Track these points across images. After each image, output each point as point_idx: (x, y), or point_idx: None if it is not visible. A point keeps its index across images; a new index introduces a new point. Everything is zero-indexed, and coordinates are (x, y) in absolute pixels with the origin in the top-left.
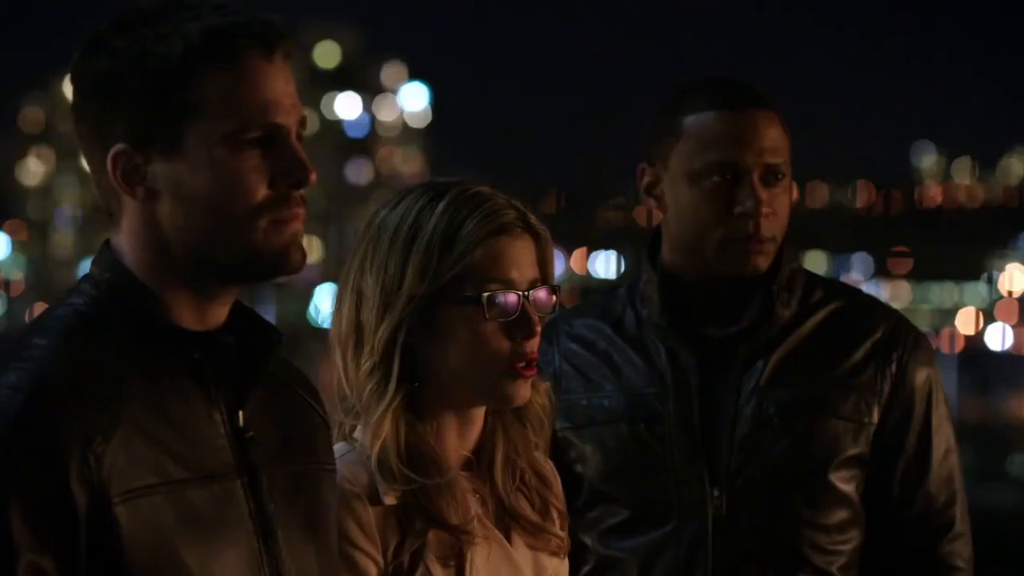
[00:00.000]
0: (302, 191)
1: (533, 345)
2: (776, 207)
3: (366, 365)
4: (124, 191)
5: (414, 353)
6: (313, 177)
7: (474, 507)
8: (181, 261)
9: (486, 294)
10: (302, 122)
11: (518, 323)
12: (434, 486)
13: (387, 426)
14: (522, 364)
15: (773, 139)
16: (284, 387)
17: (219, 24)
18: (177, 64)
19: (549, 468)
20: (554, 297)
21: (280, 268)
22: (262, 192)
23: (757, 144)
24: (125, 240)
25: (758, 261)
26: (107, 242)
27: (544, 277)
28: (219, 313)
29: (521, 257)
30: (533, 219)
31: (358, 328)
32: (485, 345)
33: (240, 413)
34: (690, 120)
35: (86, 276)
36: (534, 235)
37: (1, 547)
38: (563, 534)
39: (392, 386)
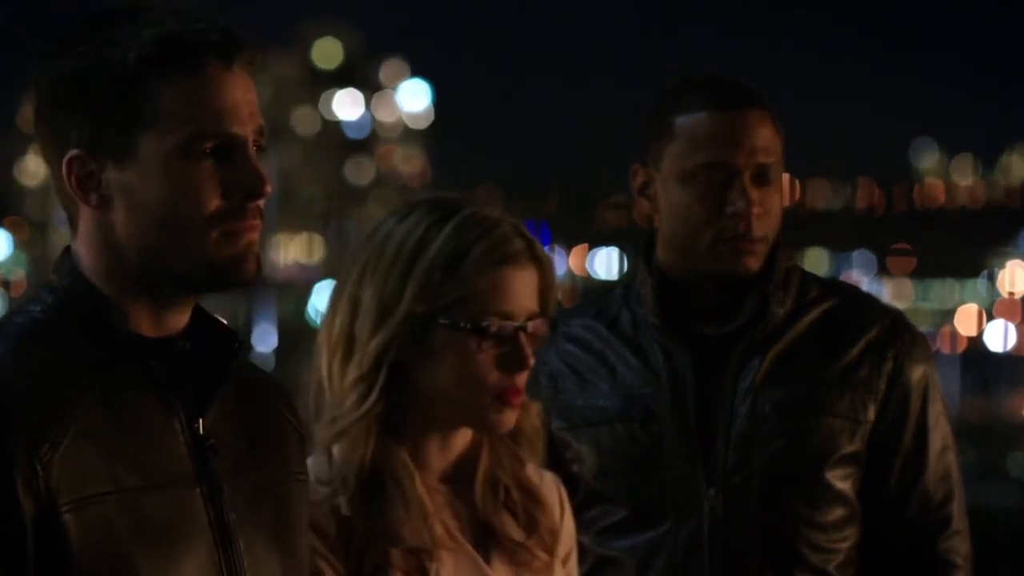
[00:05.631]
0: (259, 202)
1: (523, 378)
2: (768, 207)
3: (352, 376)
4: (78, 197)
5: (402, 368)
6: (268, 189)
7: (441, 525)
8: (135, 269)
9: (483, 324)
10: (260, 131)
11: (511, 356)
12: (392, 506)
13: (356, 439)
14: (510, 394)
15: (765, 139)
16: (254, 394)
17: (176, 31)
18: (131, 71)
19: (547, 485)
20: (549, 330)
21: (233, 279)
22: (215, 203)
23: (748, 144)
24: (82, 246)
25: (749, 261)
26: (67, 249)
27: (542, 309)
28: (178, 320)
29: (523, 289)
30: (539, 249)
31: (349, 337)
32: (474, 374)
33: (201, 421)
34: (682, 120)
35: (45, 283)
36: (539, 265)
37: None
38: (545, 556)
39: (372, 399)
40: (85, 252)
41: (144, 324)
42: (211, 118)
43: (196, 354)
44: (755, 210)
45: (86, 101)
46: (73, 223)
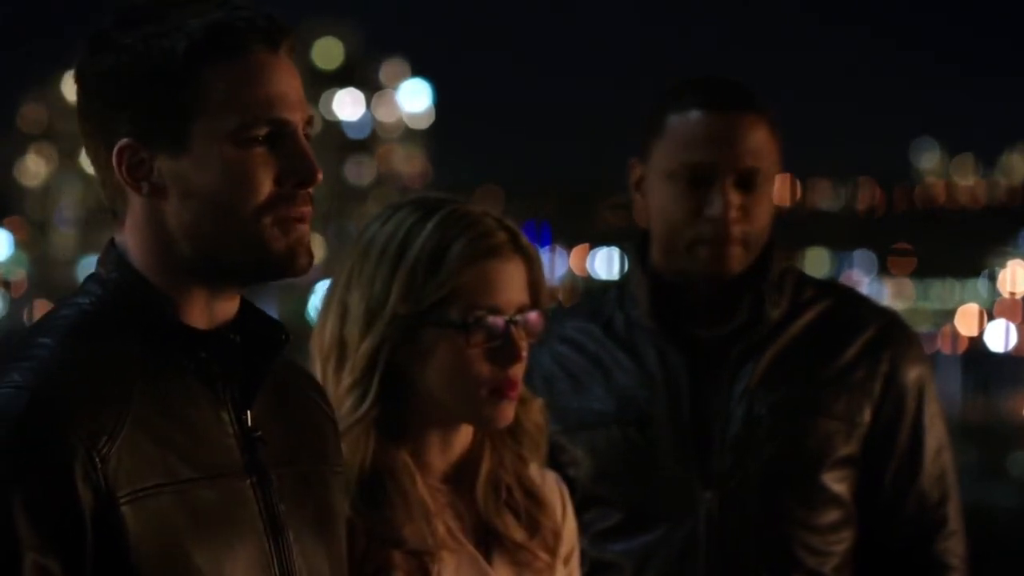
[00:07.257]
0: (309, 190)
1: (517, 371)
2: (751, 211)
3: (346, 382)
4: (130, 186)
5: (397, 370)
6: (320, 176)
7: (443, 525)
8: (187, 259)
9: (471, 320)
10: (308, 120)
11: (502, 349)
12: (393, 507)
13: (354, 443)
14: (505, 387)
15: (755, 142)
16: (292, 387)
17: (223, 19)
18: (182, 60)
19: (549, 486)
20: (544, 321)
21: (287, 269)
22: (268, 189)
23: (735, 147)
24: (130, 238)
25: (726, 264)
26: (112, 241)
27: (534, 301)
28: (226, 311)
29: (510, 281)
30: (524, 240)
31: (341, 343)
32: (467, 370)
33: (248, 413)
34: (672, 119)
35: (92, 275)
36: (525, 257)
37: (6, 546)
38: (547, 557)
39: (368, 404)
40: (133, 244)
41: (194, 316)
42: (261, 105)
43: (246, 347)
44: (732, 214)
45: (136, 91)
46: (119, 216)
